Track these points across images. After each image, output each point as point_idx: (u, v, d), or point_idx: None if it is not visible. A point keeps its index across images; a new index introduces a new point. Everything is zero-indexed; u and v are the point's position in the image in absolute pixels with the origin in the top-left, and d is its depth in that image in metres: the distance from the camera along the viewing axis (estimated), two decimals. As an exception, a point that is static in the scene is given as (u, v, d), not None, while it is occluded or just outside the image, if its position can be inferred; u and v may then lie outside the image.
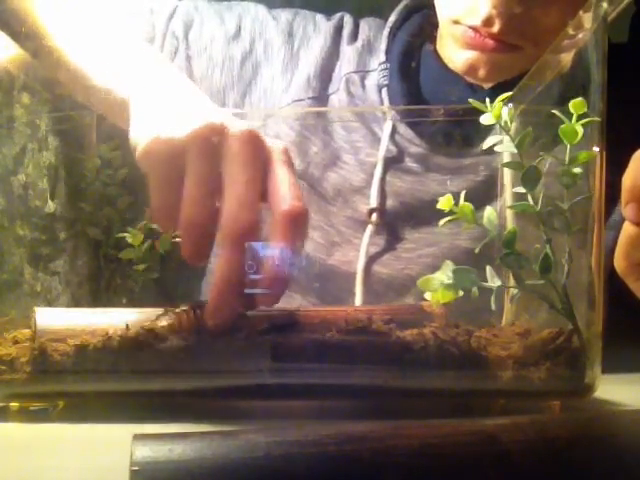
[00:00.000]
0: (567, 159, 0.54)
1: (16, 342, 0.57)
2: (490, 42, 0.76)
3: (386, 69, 0.89)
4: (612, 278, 0.58)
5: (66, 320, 0.58)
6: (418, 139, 0.85)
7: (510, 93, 0.61)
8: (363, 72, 0.91)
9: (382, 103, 0.89)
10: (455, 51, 0.80)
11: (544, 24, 0.75)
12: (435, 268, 0.57)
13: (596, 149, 0.54)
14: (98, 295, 0.76)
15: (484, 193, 0.76)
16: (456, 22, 0.78)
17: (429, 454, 0.36)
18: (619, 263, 0.56)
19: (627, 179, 0.55)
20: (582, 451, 0.37)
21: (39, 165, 0.73)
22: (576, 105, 0.54)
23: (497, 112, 0.57)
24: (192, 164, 0.55)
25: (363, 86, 0.90)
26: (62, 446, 0.47)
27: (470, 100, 0.58)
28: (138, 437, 0.35)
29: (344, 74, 0.91)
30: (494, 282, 0.57)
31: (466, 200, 0.58)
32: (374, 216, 0.83)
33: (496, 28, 0.75)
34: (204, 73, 0.90)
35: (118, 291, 0.75)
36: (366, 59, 0.92)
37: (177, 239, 0.75)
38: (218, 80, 0.90)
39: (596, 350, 0.54)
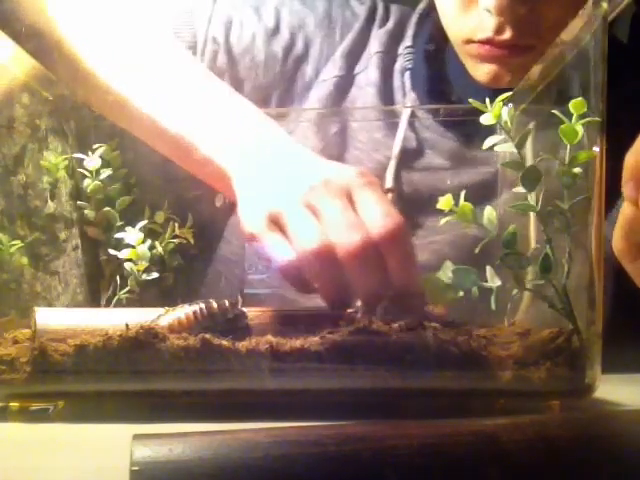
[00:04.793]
0: (567, 159, 0.54)
1: (16, 342, 0.57)
2: (505, 51, 0.77)
3: (411, 53, 0.91)
4: (616, 277, 0.58)
5: (66, 320, 0.58)
6: (435, 126, 0.86)
7: (510, 93, 0.61)
8: (393, 55, 0.92)
9: (404, 86, 0.90)
10: (474, 67, 0.80)
11: (550, 18, 0.75)
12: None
13: (596, 149, 0.54)
14: (98, 295, 0.76)
15: (496, 185, 0.77)
16: (468, 41, 0.79)
17: (429, 454, 0.36)
18: (617, 244, 0.55)
19: (630, 157, 0.54)
20: (582, 451, 0.37)
21: (39, 165, 0.73)
22: (576, 105, 0.54)
23: (497, 112, 0.57)
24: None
25: (391, 70, 0.91)
26: (62, 446, 0.47)
27: (470, 100, 0.58)
28: (138, 437, 0.35)
29: (374, 52, 0.92)
30: (494, 282, 0.57)
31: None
32: (389, 196, 0.83)
33: (508, 34, 0.75)
34: (247, 74, 0.90)
35: (118, 291, 0.75)
36: (395, 43, 0.93)
37: (176, 239, 0.76)
38: (261, 80, 0.90)
39: (596, 350, 0.53)
